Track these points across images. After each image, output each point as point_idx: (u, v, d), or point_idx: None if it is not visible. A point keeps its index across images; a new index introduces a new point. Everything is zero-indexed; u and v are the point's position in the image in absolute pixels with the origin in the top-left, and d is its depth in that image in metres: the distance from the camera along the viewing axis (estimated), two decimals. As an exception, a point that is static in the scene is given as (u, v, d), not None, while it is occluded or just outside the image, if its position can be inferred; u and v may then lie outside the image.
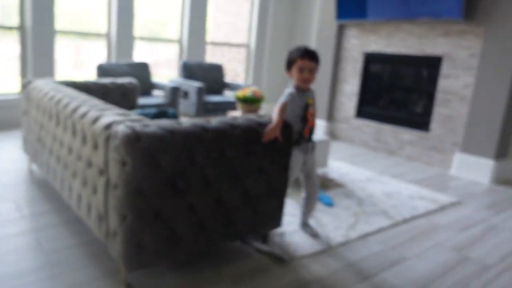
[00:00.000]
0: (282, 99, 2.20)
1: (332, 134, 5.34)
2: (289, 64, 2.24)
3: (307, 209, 2.49)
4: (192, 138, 1.80)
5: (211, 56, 8.09)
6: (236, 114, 3.97)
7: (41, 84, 3.02)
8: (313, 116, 2.29)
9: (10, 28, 4.63)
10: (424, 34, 4.31)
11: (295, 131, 2.25)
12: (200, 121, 1.91)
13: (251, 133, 1.99)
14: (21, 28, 4.62)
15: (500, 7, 3.67)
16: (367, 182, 3.57)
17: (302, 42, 6.49)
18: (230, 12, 7.90)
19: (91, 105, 2.19)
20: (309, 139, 2.30)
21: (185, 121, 1.87)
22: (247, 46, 6.61)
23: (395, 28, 4.55)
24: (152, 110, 2.62)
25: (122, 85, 3.62)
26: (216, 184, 1.89)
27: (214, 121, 1.97)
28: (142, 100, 4.35)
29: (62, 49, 5.16)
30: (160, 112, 2.58)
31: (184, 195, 1.80)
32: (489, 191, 3.60)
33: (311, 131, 2.30)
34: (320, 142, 3.62)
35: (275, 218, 2.20)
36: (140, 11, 5.46)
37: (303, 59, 2.17)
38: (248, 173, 1.99)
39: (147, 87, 4.84)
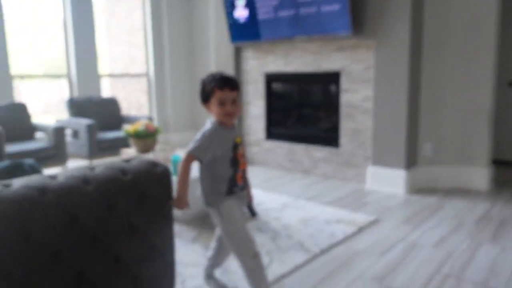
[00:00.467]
0: (192, 145, 1.78)
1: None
2: (206, 97, 1.83)
3: (217, 261, 2.10)
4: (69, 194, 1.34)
5: (111, 90, 7.51)
6: (131, 152, 3.51)
7: None
8: (244, 156, 1.90)
9: None
10: (319, 50, 4.21)
11: (226, 179, 1.83)
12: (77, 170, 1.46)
13: (112, 184, 1.57)
14: None
15: (386, 21, 3.67)
16: (283, 209, 3.28)
17: (203, 67, 6.20)
18: (127, 41, 7.43)
19: None
20: (243, 186, 1.91)
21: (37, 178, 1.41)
22: (146, 75, 6.17)
23: (291, 46, 4.42)
24: (4, 164, 2.09)
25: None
26: (72, 254, 1.44)
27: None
28: (16, 147, 3.71)
29: None
30: (13, 166, 2.06)
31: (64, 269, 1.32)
32: (405, 202, 3.50)
33: (244, 175, 1.91)
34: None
35: (164, 282, 1.78)
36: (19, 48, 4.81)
37: (223, 89, 1.77)
38: (115, 234, 1.56)
39: (28, 130, 4.19)
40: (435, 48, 3.77)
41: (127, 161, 1.83)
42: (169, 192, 1.84)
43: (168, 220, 1.79)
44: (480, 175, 3.82)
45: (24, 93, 5.21)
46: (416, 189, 3.85)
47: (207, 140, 1.78)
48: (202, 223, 2.98)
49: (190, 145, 1.80)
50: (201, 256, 2.45)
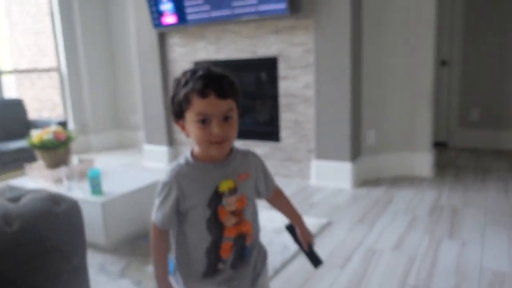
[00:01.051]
0: (155, 205, 1.16)
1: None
2: (178, 110, 1.11)
3: None
4: None
5: (17, 87, 6.59)
6: (37, 166, 2.93)
7: None
8: (239, 214, 1.16)
9: None
10: (253, 34, 3.84)
11: (201, 251, 1.16)
12: None
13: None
14: None
15: (326, -3, 3.37)
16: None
17: (124, 58, 5.57)
18: (33, 30, 6.52)
19: None
20: (237, 262, 1.20)
21: None
22: (57, 70, 5.42)
23: (222, 31, 4.00)
24: None
25: None
26: None
27: None
28: None
29: None
30: None
31: None
32: (353, 198, 3.27)
33: (240, 247, 1.19)
34: (156, 184, 2.82)
35: None
36: None
37: (206, 96, 1.04)
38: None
39: None
40: (375, 30, 3.55)
41: (15, 200, 1.35)
42: (80, 239, 1.38)
43: (82, 276, 1.35)
44: (423, 161, 3.71)
45: None
46: (362, 181, 3.66)
47: (167, 194, 1.12)
48: (131, 250, 2.51)
49: (155, 203, 1.16)
50: (132, 296, 2.00)
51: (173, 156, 4.54)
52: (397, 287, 2.01)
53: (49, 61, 5.82)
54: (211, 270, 1.18)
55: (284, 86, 3.75)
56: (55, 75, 5.59)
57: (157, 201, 1.15)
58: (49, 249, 1.27)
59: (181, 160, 1.16)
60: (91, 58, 5.44)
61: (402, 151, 3.75)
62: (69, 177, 2.66)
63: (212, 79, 1.06)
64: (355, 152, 3.59)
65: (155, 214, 1.16)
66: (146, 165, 4.60)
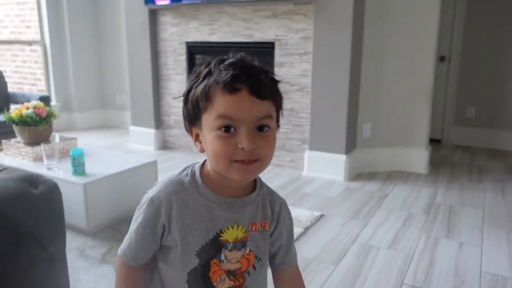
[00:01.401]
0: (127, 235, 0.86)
1: (164, 145, 4.41)
2: (194, 111, 0.78)
3: None
4: None
5: (-2, 59, 6.28)
6: (14, 142, 2.74)
7: None
8: (239, 277, 0.84)
9: None
10: (249, 17, 3.66)
11: None
12: None
13: None
14: None
15: (330, -19, 3.21)
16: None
17: (112, 35, 5.32)
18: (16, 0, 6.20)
19: None
20: None
21: None
22: (41, 43, 5.15)
23: (217, 11, 3.82)
24: None
25: None
26: None
27: None
28: None
29: None
30: None
31: None
32: (348, 191, 3.17)
33: None
34: (143, 167, 2.67)
35: None
36: None
37: (235, 91, 0.72)
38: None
39: None
40: (377, 22, 3.42)
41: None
42: (59, 225, 1.23)
43: (59, 264, 1.20)
44: (419, 157, 3.62)
45: None
46: (356, 174, 3.55)
47: (149, 218, 0.80)
48: (113, 235, 2.36)
49: (131, 226, 0.86)
50: (109, 285, 1.86)
51: (160, 140, 4.36)
52: (394, 286, 1.91)
53: (32, 34, 5.54)
54: None
55: (280, 73, 3.60)
56: (38, 48, 5.31)
57: (133, 225, 0.83)
58: (23, 235, 1.12)
59: (186, 175, 0.82)
60: (77, 32, 5.18)
61: (398, 147, 3.65)
62: (49, 156, 2.48)
63: (247, 70, 0.74)
64: (350, 145, 3.48)
65: (126, 244, 0.84)
66: (132, 147, 4.42)
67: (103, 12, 5.33)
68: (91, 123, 5.42)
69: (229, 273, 0.82)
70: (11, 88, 4.21)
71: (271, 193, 0.88)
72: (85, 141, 4.30)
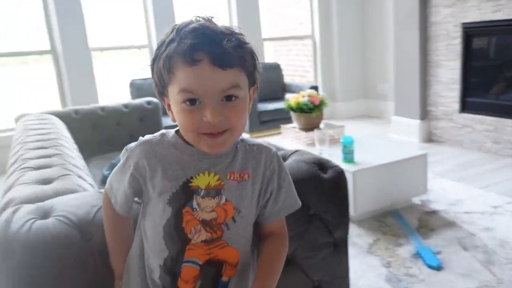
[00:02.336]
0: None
1: (429, 137, 4.08)
2: (160, 81, 0.75)
3: None
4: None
5: (275, 53, 7.17)
6: (291, 128, 2.99)
7: (29, 119, 2.33)
8: (217, 229, 0.78)
9: (41, 53, 4.15)
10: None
11: (152, 268, 0.81)
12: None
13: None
14: (53, 51, 4.10)
15: None
16: (493, 214, 2.35)
17: (377, 25, 5.24)
18: (291, 1, 6.90)
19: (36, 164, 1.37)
20: None
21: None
22: (311, 37, 5.56)
23: (509, -18, 3.21)
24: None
25: (139, 106, 2.84)
26: None
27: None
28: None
29: (101, 68, 4.59)
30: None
31: None
32: None
33: (212, 282, 0.80)
34: (413, 159, 2.49)
35: None
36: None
37: (195, 63, 0.68)
38: None
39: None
40: None
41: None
42: (344, 210, 1.21)
43: (342, 251, 1.19)
44: None
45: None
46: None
47: (124, 165, 0.81)
48: (379, 226, 2.29)
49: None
50: (376, 277, 1.79)
51: (425, 132, 4.05)
52: None
53: (305, 29, 6.05)
54: None
55: None
56: (308, 42, 5.76)
57: (115, 168, 0.84)
58: (312, 217, 1.14)
59: (160, 134, 0.81)
60: (344, 26, 5.35)
61: None
62: (321, 142, 2.60)
63: (209, 36, 0.68)
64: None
65: (108, 181, 0.86)
66: (393, 137, 4.27)
67: (370, 2, 5.32)
68: (353, 113, 5.54)
69: (205, 223, 0.76)
70: (286, 79, 4.69)
71: (258, 147, 0.83)
72: (348, 129, 4.39)
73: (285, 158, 1.24)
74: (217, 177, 0.77)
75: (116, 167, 0.84)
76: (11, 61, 4.26)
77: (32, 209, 0.94)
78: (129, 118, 2.73)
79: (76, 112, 2.59)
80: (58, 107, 4.02)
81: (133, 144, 0.81)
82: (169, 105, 0.78)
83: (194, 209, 0.76)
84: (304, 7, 5.82)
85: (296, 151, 1.29)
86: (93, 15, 4.26)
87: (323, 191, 1.14)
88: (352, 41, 5.44)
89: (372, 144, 2.85)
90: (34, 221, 0.89)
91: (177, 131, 0.81)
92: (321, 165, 1.19)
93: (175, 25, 0.73)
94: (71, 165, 1.36)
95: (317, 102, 2.89)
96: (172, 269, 0.78)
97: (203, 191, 0.76)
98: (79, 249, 0.88)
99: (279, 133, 3.23)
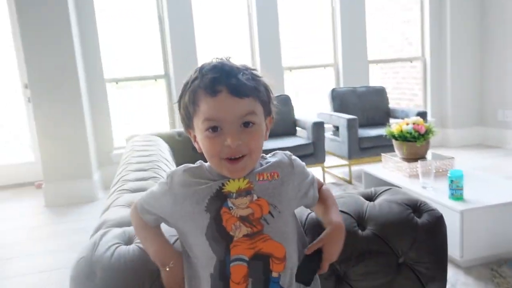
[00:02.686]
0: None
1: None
2: (187, 115, 0.85)
3: None
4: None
5: (381, 76, 6.90)
6: (395, 159, 2.81)
7: (136, 140, 2.53)
8: (256, 223, 0.81)
9: (156, 78, 4.53)
10: None
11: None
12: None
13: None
14: (166, 75, 4.46)
15: None
16: None
17: (499, 46, 4.74)
18: (401, 19, 6.60)
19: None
20: None
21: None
22: (421, 59, 5.24)
23: None
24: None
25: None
26: None
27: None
28: (273, 143, 3.56)
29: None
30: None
31: None
32: None
33: (263, 276, 0.81)
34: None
35: None
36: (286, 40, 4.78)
37: (216, 94, 0.79)
38: None
39: (291, 125, 4.05)
40: None
41: (370, 197, 1.16)
42: (441, 263, 1.07)
43: None
44: None
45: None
46: None
47: (161, 189, 0.88)
48: (490, 276, 2.01)
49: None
50: None
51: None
52: None
53: (413, 51, 5.72)
54: None
55: None
56: (418, 64, 5.43)
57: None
58: (401, 266, 1.02)
59: (197, 162, 0.89)
60: (458, 47, 4.94)
61: None
62: (425, 174, 2.39)
63: (226, 71, 0.79)
64: None
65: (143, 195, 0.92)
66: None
67: (489, 19, 4.85)
68: (466, 141, 5.04)
69: (243, 219, 0.81)
70: (391, 103, 4.46)
71: (274, 153, 0.91)
72: (458, 160, 4.01)
73: (373, 197, 1.14)
74: (246, 180, 0.83)
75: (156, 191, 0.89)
76: (132, 84, 4.68)
77: (118, 234, 0.98)
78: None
79: (179, 134, 2.74)
80: (167, 129, 4.33)
81: (173, 170, 0.89)
82: (195, 137, 0.86)
83: (230, 208, 0.81)
84: (414, 25, 5.51)
85: (388, 189, 1.18)
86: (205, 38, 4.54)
87: (417, 238, 1.02)
88: (468, 62, 5.00)
89: (486, 180, 2.54)
90: (118, 246, 0.93)
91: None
92: (416, 207, 1.07)
93: (198, 67, 0.84)
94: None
95: (422, 131, 2.68)
96: (222, 273, 0.80)
97: (235, 194, 0.82)
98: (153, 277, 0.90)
99: (380, 161, 3.05)
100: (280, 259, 0.81)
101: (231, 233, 0.80)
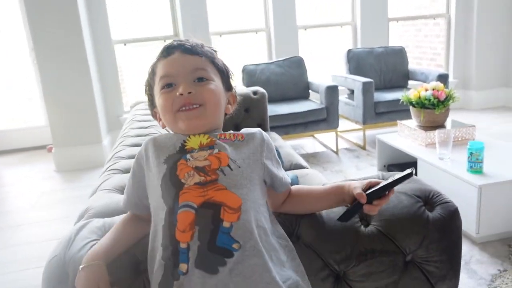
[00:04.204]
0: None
1: None
2: (151, 94, 0.90)
3: None
4: None
5: (398, 36, 6.54)
6: (412, 125, 2.67)
7: (139, 108, 2.43)
8: (211, 173, 0.77)
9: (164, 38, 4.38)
10: None
11: (160, 236, 0.76)
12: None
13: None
14: (176, 36, 4.29)
15: None
16: None
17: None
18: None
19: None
20: (207, 257, 0.71)
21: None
22: (446, 16, 4.91)
23: None
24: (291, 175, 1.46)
25: (245, 96, 2.77)
26: None
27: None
28: (284, 108, 3.42)
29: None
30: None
31: None
32: None
33: (212, 226, 0.73)
34: None
35: None
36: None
37: (170, 54, 0.85)
38: None
39: (303, 88, 3.88)
40: None
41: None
42: (453, 263, 0.97)
43: None
44: None
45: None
46: None
47: (133, 169, 0.88)
48: (507, 253, 1.90)
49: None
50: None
51: None
52: None
53: (437, 7, 5.37)
54: (168, 273, 0.73)
55: None
56: (442, 21, 5.10)
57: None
58: (409, 265, 0.92)
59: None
60: (487, 4, 4.59)
61: None
62: (443, 144, 2.25)
63: (182, 40, 0.87)
64: None
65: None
66: (539, 137, 3.58)
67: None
68: (490, 103, 4.80)
69: (198, 169, 0.78)
70: (411, 63, 4.22)
71: (246, 131, 0.87)
72: (480, 124, 3.83)
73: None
74: (207, 136, 0.82)
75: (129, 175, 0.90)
76: (142, 46, 4.55)
77: (97, 227, 0.90)
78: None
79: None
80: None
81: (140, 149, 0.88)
82: (159, 116, 0.89)
83: (188, 160, 0.79)
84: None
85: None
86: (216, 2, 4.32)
87: (427, 235, 0.91)
88: (495, 19, 4.66)
89: (509, 149, 2.38)
90: (94, 243, 0.85)
91: None
92: (428, 199, 0.95)
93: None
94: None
95: (442, 97, 2.51)
96: (171, 222, 0.74)
97: (197, 149, 0.81)
98: (131, 278, 0.82)
99: (396, 126, 2.89)
100: (234, 209, 0.75)
101: (182, 180, 0.77)
